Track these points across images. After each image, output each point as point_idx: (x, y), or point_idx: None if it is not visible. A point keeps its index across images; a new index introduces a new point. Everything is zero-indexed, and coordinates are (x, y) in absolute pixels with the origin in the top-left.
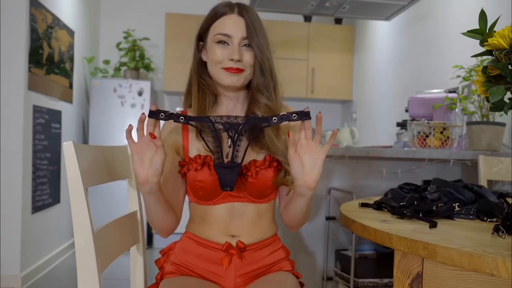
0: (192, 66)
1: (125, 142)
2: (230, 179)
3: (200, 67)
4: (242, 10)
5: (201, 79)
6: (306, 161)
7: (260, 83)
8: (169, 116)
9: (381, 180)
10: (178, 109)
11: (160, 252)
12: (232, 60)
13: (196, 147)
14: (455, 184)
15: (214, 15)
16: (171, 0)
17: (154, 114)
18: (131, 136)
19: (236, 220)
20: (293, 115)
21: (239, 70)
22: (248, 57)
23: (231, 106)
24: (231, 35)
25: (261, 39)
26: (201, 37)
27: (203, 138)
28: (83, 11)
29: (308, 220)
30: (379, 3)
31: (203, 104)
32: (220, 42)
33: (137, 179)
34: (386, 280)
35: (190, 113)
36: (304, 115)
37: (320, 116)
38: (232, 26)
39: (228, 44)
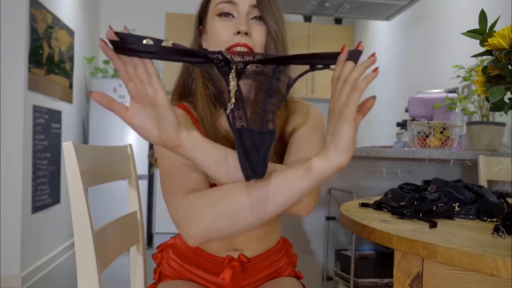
0: None
1: (125, 142)
2: (261, 157)
3: None
4: None
5: (201, 71)
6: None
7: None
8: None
9: (381, 180)
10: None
11: (157, 247)
12: (238, 33)
13: None
14: (455, 184)
15: None
16: (171, 0)
17: (120, 44)
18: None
19: (242, 234)
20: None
21: (248, 51)
22: (259, 33)
23: (246, 85)
24: (236, 2)
25: (275, 10)
26: (201, 18)
27: (215, 86)
28: (83, 11)
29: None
30: (379, 3)
31: (210, 102)
32: (222, 14)
33: (164, 143)
34: (386, 280)
35: (187, 105)
36: (354, 56)
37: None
38: None
39: (233, 17)
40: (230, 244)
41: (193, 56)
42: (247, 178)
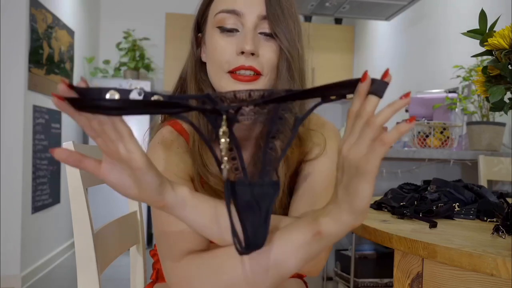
0: (187, 67)
1: None
2: (262, 217)
3: (200, 71)
4: None
5: (199, 90)
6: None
7: (287, 86)
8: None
9: (381, 180)
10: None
11: (155, 244)
12: (242, 53)
13: None
14: (455, 184)
15: None
16: (171, 0)
17: (78, 102)
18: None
19: None
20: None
21: (255, 75)
22: (269, 52)
23: (244, 126)
24: (241, 12)
25: (291, 22)
26: (199, 25)
27: (202, 138)
28: (83, 11)
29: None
30: (379, 3)
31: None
32: (224, 29)
33: (148, 203)
34: (386, 280)
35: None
36: (378, 88)
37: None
38: None
39: (237, 31)
40: None
41: (173, 107)
42: (241, 253)
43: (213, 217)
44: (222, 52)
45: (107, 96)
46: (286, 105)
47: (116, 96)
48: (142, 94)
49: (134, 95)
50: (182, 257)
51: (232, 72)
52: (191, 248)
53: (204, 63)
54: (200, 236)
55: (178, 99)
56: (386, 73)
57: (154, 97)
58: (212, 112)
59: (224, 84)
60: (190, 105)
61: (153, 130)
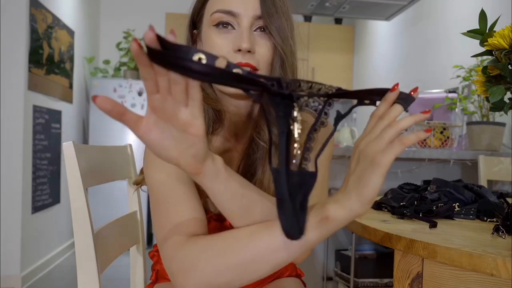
0: None
1: (125, 142)
2: (297, 206)
3: None
4: None
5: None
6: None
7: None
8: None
9: None
10: None
11: (154, 245)
12: (239, 50)
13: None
14: (455, 184)
15: None
16: (171, 0)
17: (160, 54)
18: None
19: None
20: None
21: (251, 71)
22: (264, 48)
23: (237, 118)
24: (237, 13)
25: (284, 20)
26: (194, 22)
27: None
28: (83, 11)
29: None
30: (379, 3)
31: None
32: (220, 24)
33: (183, 167)
34: (386, 280)
35: None
36: (405, 100)
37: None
38: None
39: (233, 28)
40: None
41: (251, 84)
42: (290, 236)
43: (237, 194)
44: (219, 50)
45: (195, 57)
46: (333, 102)
47: (204, 60)
48: (226, 63)
49: (220, 63)
50: (185, 241)
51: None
52: (192, 232)
53: None
54: (201, 221)
55: (255, 77)
56: (415, 89)
57: (236, 70)
58: (285, 97)
59: None
60: (267, 85)
61: None
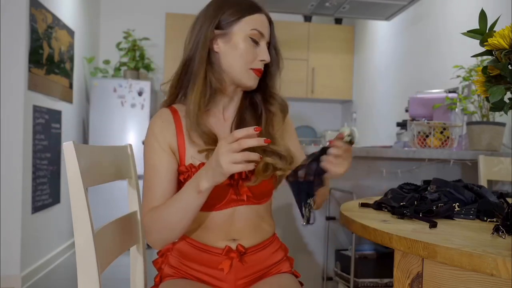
0: (194, 54)
1: (125, 142)
2: (303, 209)
3: (209, 58)
4: (267, 11)
5: (210, 72)
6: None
7: (275, 85)
8: None
9: (381, 180)
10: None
11: (157, 253)
12: (262, 61)
13: (190, 154)
14: (455, 184)
15: (250, 8)
16: (171, 0)
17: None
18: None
19: (237, 224)
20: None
21: (261, 72)
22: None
23: (226, 103)
24: (265, 35)
25: (276, 38)
26: (221, 25)
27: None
28: (83, 11)
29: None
30: (379, 3)
31: (204, 99)
32: (253, 38)
33: (225, 169)
34: (386, 280)
35: (179, 108)
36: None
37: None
38: (264, 25)
39: (258, 44)
40: (227, 234)
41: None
42: (303, 219)
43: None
44: (250, 55)
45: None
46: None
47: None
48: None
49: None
50: (150, 209)
51: (252, 69)
52: (159, 204)
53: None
54: (165, 198)
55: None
56: (258, 129)
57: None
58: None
59: (245, 74)
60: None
61: (156, 111)
